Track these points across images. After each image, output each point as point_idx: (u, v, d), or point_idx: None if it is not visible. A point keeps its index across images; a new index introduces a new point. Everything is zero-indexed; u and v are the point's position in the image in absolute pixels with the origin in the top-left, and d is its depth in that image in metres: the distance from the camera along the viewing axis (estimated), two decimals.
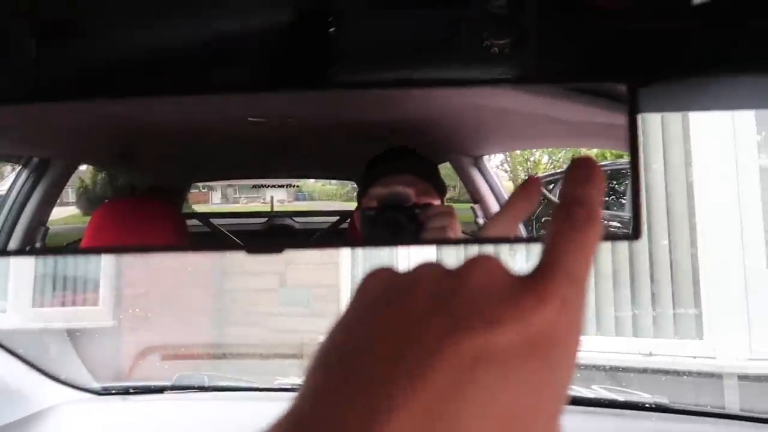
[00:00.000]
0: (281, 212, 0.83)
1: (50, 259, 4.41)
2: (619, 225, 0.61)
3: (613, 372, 2.44)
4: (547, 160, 0.80)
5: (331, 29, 0.74)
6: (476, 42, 0.72)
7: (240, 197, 0.87)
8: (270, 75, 0.69)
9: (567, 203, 0.31)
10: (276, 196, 0.85)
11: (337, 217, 0.83)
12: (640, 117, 0.47)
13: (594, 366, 2.53)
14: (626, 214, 0.57)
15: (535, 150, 0.83)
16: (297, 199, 0.85)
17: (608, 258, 2.85)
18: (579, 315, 0.28)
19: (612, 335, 2.79)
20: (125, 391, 1.24)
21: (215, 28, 0.61)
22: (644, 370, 2.52)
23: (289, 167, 0.82)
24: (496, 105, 0.65)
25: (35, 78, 0.67)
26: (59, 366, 1.21)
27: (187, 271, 4.03)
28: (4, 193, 0.72)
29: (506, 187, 0.87)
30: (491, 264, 0.28)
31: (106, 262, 4.26)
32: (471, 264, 0.28)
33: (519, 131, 0.68)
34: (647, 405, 1.07)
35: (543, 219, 0.79)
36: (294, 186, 0.83)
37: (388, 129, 0.72)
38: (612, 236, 0.60)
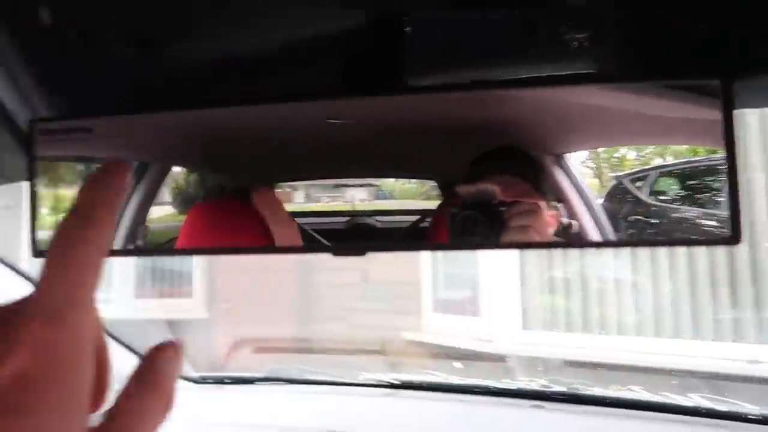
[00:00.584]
0: (363, 211, 0.85)
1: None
2: (716, 224, 0.58)
3: (713, 380, 2.29)
4: (635, 156, 0.76)
5: (407, 28, 0.74)
6: (554, 37, 0.70)
7: (322, 196, 0.89)
8: (348, 80, 0.70)
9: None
10: (357, 195, 0.87)
11: (418, 216, 0.83)
12: (736, 113, 0.44)
13: (690, 372, 2.39)
14: (723, 213, 0.53)
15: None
16: (377, 197, 0.86)
17: (703, 253, 2.68)
18: (64, 349, 0.25)
19: (709, 339, 2.63)
20: (221, 381, 1.31)
21: (294, 35, 0.63)
22: (747, 379, 2.35)
23: (368, 167, 0.83)
24: (579, 102, 0.63)
25: (133, 90, 0.72)
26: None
27: (273, 266, 4.18)
28: None
29: (591, 185, 0.84)
30: None
31: (199, 257, 4.49)
32: None
33: (604, 128, 0.66)
34: (752, 416, 1.00)
35: (630, 218, 0.76)
36: (373, 185, 0.85)
37: (468, 129, 0.71)
38: (709, 240, 0.56)
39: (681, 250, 2.72)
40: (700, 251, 2.67)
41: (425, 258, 3.66)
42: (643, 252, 2.78)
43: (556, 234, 0.67)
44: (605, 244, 0.59)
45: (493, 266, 3.15)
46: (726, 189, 0.52)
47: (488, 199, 0.63)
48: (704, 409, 0.99)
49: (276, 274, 4.16)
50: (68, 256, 0.26)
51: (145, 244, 0.79)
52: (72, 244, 0.26)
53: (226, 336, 3.53)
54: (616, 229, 0.81)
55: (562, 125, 0.68)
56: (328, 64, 0.65)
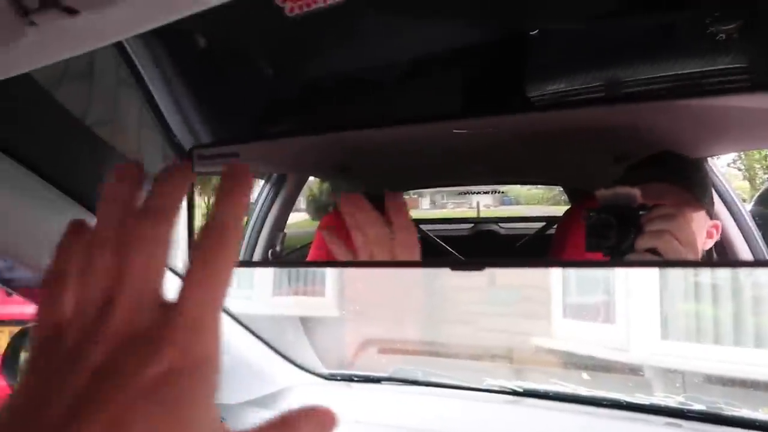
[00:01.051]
0: (487, 218, 0.85)
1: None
2: None
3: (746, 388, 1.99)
4: None
5: (536, 40, 0.73)
6: (698, 31, 0.66)
7: (447, 202, 0.91)
8: (475, 96, 0.71)
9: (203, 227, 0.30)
10: (482, 202, 0.87)
11: (544, 223, 0.82)
12: None
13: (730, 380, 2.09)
14: None
15: None
16: (503, 203, 0.85)
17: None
18: (204, 361, 0.28)
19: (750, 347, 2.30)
20: (349, 378, 1.37)
21: (421, 52, 0.65)
22: None
23: (493, 174, 0.83)
24: (720, 102, 0.59)
25: (274, 113, 0.79)
26: (294, 350, 1.38)
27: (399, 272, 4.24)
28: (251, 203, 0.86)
29: (740, 188, 0.78)
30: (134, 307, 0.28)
31: None
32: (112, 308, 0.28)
33: (747, 129, 0.61)
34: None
35: None
36: (499, 192, 0.84)
37: (600, 136, 0.69)
38: None
39: None
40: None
41: None
42: None
43: (715, 247, 0.63)
44: (744, 264, 0.55)
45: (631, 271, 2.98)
46: None
47: (626, 202, 0.61)
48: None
49: (404, 276, 4.23)
50: (206, 267, 0.29)
51: (282, 250, 0.85)
52: (208, 257, 0.29)
53: (355, 335, 3.65)
54: (765, 234, 0.74)
55: (697, 129, 0.64)
56: (455, 81, 0.66)
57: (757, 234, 0.67)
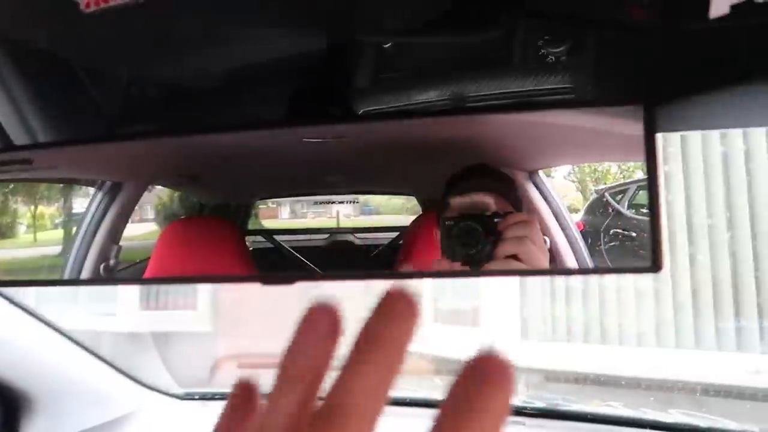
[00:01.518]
0: (345, 228, 0.84)
1: None
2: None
3: (707, 395, 2.25)
4: (616, 169, 0.76)
5: (387, 45, 0.74)
6: (532, 51, 0.70)
7: (308, 212, 0.89)
8: (318, 104, 0.70)
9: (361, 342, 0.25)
10: (342, 211, 0.86)
11: (398, 233, 0.83)
12: (660, 136, 0.44)
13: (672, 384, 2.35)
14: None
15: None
16: (363, 213, 0.85)
17: (707, 263, 2.64)
18: None
19: (713, 350, 2.60)
20: (207, 397, 1.30)
21: (260, 59, 0.64)
22: (741, 392, 2.30)
23: (347, 183, 0.83)
24: (543, 121, 0.63)
25: (114, 113, 0.73)
26: (147, 370, 1.29)
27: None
28: (80, 210, 0.78)
29: (575, 199, 0.83)
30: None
31: None
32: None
33: (569, 145, 0.65)
34: None
35: (612, 231, 0.75)
36: (356, 201, 0.84)
37: (444, 147, 0.71)
38: (633, 269, 0.56)
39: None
40: (703, 259, 2.65)
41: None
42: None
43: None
44: (591, 271, 0.59)
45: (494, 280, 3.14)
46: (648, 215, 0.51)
47: (482, 210, 0.63)
48: (684, 424, 0.97)
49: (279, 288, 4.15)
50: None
51: (116, 264, 0.78)
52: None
53: (225, 350, 3.53)
54: (596, 241, 0.80)
55: (531, 143, 0.68)
56: (286, 89, 0.65)
57: (581, 244, 0.72)
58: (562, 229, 0.74)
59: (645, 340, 2.77)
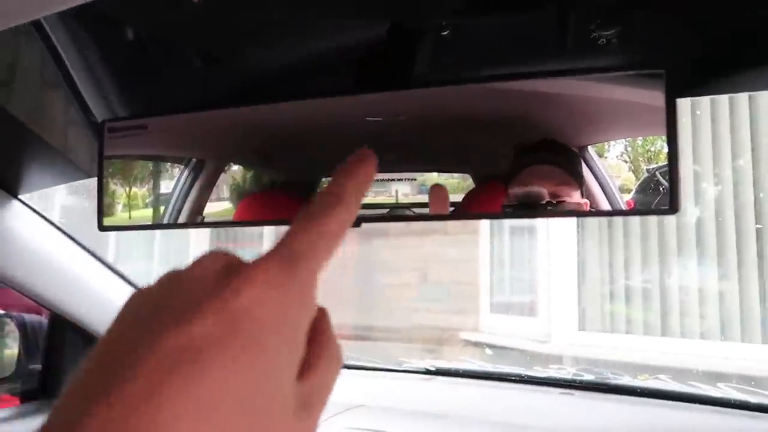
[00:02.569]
0: (401, 204, 0.90)
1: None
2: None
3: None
4: None
5: (445, 32, 0.79)
6: (584, 34, 0.74)
7: (368, 192, 0.95)
8: (383, 77, 0.76)
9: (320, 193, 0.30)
10: (400, 190, 0.92)
11: (452, 208, 0.88)
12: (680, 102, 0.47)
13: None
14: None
15: (657, 140, 0.81)
16: (420, 192, 0.91)
17: (752, 245, 2.54)
18: (294, 293, 0.27)
19: (759, 342, 2.51)
20: None
21: (330, 40, 0.70)
22: None
23: (407, 162, 0.89)
24: (590, 94, 0.67)
25: (196, 90, 0.81)
26: None
27: (334, 267, 4.27)
28: (168, 191, 0.88)
29: (627, 179, 0.87)
30: (217, 256, 0.28)
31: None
32: (199, 260, 0.28)
33: (618, 120, 0.69)
34: None
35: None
36: (414, 179, 0.90)
37: (499, 122, 0.76)
38: (651, 211, 0.60)
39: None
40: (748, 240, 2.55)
41: (483, 260, 3.66)
42: (711, 261, 2.70)
43: None
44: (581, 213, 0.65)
45: (553, 270, 3.13)
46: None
47: (537, 200, 0.68)
48: (734, 400, 0.98)
49: (335, 275, 4.27)
50: (317, 218, 0.28)
51: (201, 220, 0.86)
52: (322, 211, 0.29)
53: None
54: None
55: (581, 117, 0.72)
56: (360, 67, 0.71)
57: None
58: (611, 204, 0.77)
59: (709, 335, 2.71)
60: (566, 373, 1.14)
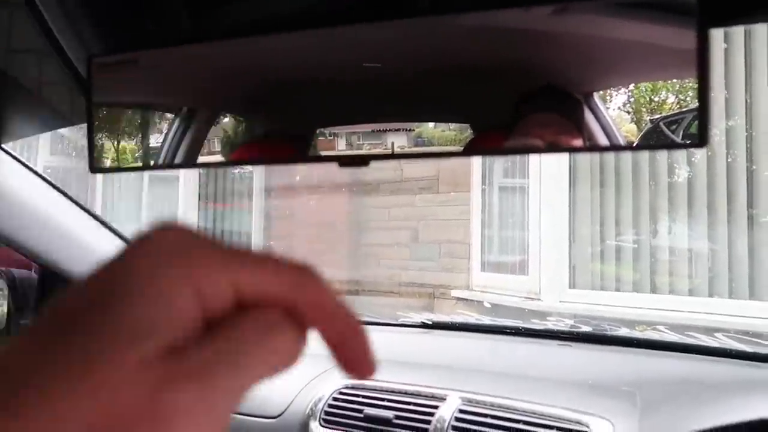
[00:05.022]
0: (398, 155, 0.88)
1: (209, 215, 4.92)
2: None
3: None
4: (673, 99, 0.76)
5: None
6: None
7: (363, 143, 0.93)
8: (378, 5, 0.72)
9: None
10: (397, 142, 0.90)
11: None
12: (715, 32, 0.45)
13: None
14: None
15: (660, 89, 0.79)
16: (417, 144, 0.89)
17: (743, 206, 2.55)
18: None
19: (745, 298, 2.55)
20: None
21: None
22: None
23: (405, 111, 0.86)
24: (603, 33, 0.64)
25: (181, 24, 0.77)
26: None
27: (325, 227, 4.29)
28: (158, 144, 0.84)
29: (628, 130, 0.84)
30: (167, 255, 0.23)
31: (257, 217, 4.67)
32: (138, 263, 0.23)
33: (625, 63, 0.66)
34: None
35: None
36: (411, 130, 0.88)
37: (504, 69, 0.73)
38: (680, 144, 0.58)
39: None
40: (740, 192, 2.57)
41: (475, 219, 3.67)
42: (702, 221, 2.71)
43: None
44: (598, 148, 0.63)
45: (543, 229, 3.14)
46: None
47: (536, 151, 0.66)
48: (732, 350, 0.99)
49: (328, 235, 4.27)
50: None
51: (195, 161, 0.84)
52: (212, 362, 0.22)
53: None
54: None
55: (585, 62, 0.69)
56: None
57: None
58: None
59: (698, 292, 2.74)
60: (564, 325, 1.15)
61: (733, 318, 2.50)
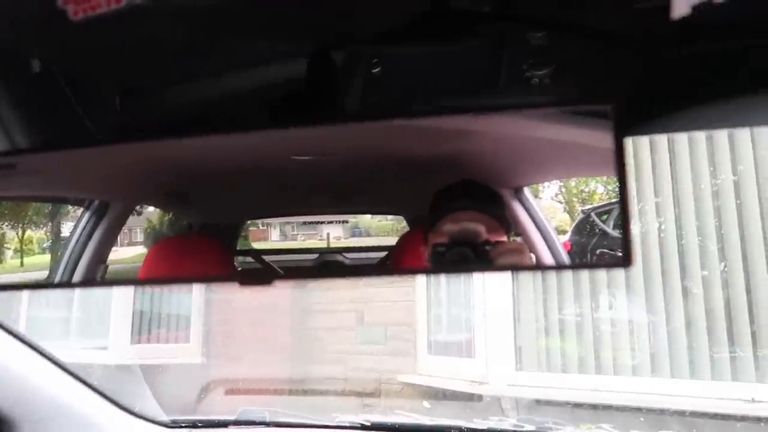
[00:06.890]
0: (334, 248, 0.84)
1: (147, 298, 4.70)
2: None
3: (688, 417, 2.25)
4: (603, 190, 0.76)
5: (376, 69, 0.75)
6: (517, 74, 0.71)
7: (298, 234, 0.89)
8: (310, 111, 0.71)
9: None
10: (332, 233, 0.86)
11: (386, 252, 0.83)
12: (630, 141, 0.44)
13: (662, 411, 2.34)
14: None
15: (590, 181, 0.80)
16: (353, 235, 0.86)
17: (700, 291, 2.64)
18: None
19: (708, 379, 2.58)
20: (193, 425, 1.29)
21: (250, 75, 0.65)
22: (744, 418, 2.29)
23: (339, 203, 0.83)
24: (528, 134, 0.63)
25: (110, 125, 0.73)
26: (133, 400, 1.27)
27: (269, 310, 4.15)
28: (68, 234, 0.78)
29: (562, 220, 0.84)
30: None
31: (197, 300, 4.48)
32: None
33: (551, 161, 0.66)
34: None
35: (598, 251, 0.76)
36: (345, 222, 0.85)
37: (430, 163, 0.72)
38: (603, 264, 0.56)
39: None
40: (695, 288, 2.65)
41: (420, 301, 3.63)
42: (640, 293, 2.77)
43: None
44: (568, 267, 0.60)
45: (489, 309, 3.13)
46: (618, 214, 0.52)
47: (474, 238, 0.63)
48: None
49: (272, 319, 4.13)
50: None
51: (102, 279, 0.78)
52: None
53: (215, 380, 3.49)
54: (582, 258, 0.80)
55: (512, 158, 0.68)
56: (285, 95, 0.65)
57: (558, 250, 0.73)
58: (549, 248, 0.74)
59: (641, 371, 2.75)
60: (507, 424, 1.10)
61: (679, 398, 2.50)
